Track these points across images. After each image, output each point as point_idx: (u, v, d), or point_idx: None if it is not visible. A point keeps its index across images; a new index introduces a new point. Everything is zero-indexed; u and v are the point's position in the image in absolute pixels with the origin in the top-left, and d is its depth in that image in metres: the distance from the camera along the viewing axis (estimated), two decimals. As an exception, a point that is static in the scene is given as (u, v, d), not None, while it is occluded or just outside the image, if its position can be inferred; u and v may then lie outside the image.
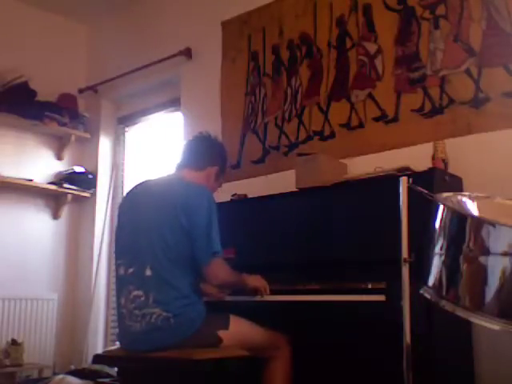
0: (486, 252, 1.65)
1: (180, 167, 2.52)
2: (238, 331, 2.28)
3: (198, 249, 2.25)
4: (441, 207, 1.78)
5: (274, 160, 3.49)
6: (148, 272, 2.23)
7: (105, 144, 4.67)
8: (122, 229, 2.46)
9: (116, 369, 2.73)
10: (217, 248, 2.28)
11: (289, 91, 3.50)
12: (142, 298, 2.22)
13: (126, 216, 2.46)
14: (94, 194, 4.53)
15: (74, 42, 4.81)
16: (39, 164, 4.41)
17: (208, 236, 2.26)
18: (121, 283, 2.33)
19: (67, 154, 4.56)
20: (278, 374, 2.32)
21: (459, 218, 1.75)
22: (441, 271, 1.76)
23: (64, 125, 4.42)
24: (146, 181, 2.54)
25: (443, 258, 1.76)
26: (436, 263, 1.77)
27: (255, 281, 2.47)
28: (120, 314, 2.33)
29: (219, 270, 2.29)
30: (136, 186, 2.53)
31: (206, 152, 2.53)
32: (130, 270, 2.28)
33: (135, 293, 2.24)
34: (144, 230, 2.31)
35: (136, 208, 2.42)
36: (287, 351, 2.35)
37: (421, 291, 1.80)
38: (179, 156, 2.57)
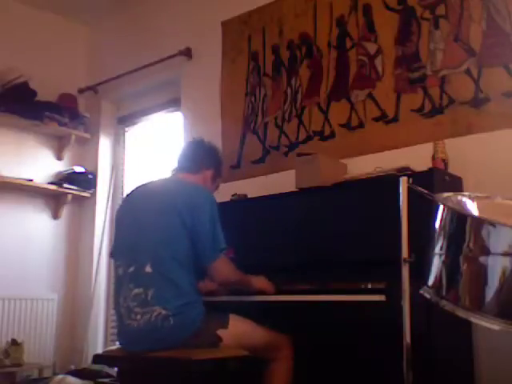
0: (486, 252, 1.65)
1: (176, 171, 2.56)
2: (238, 330, 2.27)
3: (203, 246, 2.26)
4: (441, 207, 1.78)
5: (273, 160, 3.49)
6: (148, 269, 2.23)
7: (105, 144, 4.67)
8: (121, 231, 2.47)
9: (116, 369, 2.74)
10: (222, 245, 2.29)
11: (289, 91, 3.50)
12: (143, 296, 2.21)
13: (125, 218, 2.46)
14: (93, 194, 4.53)
15: (74, 42, 4.81)
16: (39, 164, 4.41)
17: (213, 234, 2.27)
18: (120, 283, 2.32)
19: (67, 154, 4.56)
20: (279, 376, 2.31)
21: (459, 218, 1.75)
22: (441, 271, 1.76)
23: (64, 125, 4.42)
24: (143, 184, 2.55)
25: (443, 258, 1.76)
26: (436, 263, 1.77)
27: (260, 282, 2.46)
28: (119, 314, 2.32)
29: (224, 267, 2.31)
30: (134, 190, 2.54)
31: (199, 155, 2.56)
32: (131, 269, 2.28)
33: (136, 291, 2.23)
34: (144, 229, 2.31)
35: (135, 209, 2.43)
36: (289, 353, 2.34)
37: (421, 291, 1.80)
38: (175, 161, 2.59)
